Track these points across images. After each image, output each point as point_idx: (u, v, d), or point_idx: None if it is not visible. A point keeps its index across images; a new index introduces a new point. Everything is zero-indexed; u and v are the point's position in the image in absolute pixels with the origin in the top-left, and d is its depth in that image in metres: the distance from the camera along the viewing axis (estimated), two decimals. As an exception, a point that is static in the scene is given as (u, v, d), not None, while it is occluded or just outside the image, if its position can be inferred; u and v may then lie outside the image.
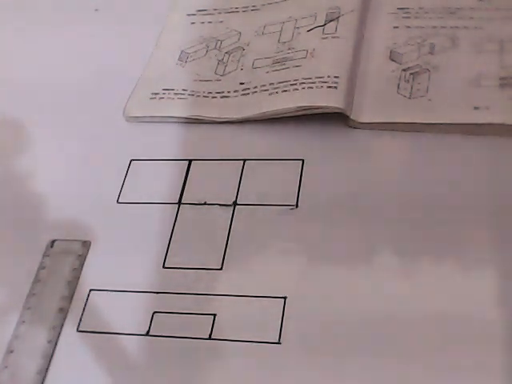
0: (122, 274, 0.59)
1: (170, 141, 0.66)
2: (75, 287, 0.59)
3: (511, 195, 0.57)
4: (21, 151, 0.69)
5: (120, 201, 0.63)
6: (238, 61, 0.71)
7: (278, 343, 0.53)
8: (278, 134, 0.64)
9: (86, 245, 0.61)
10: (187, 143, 0.66)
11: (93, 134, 0.69)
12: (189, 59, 0.73)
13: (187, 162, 0.64)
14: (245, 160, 0.63)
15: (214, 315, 0.55)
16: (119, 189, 0.64)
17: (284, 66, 0.68)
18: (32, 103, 0.72)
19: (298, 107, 0.64)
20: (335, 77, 0.64)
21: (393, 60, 0.66)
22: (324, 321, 0.53)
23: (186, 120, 0.68)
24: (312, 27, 0.70)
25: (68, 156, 0.68)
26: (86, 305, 0.58)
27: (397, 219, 0.57)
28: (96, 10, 0.80)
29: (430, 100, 0.62)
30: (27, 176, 0.67)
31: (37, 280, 0.60)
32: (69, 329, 0.57)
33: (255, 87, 0.68)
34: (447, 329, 0.51)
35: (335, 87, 0.63)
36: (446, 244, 0.55)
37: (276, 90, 0.66)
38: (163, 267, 0.59)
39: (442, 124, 0.61)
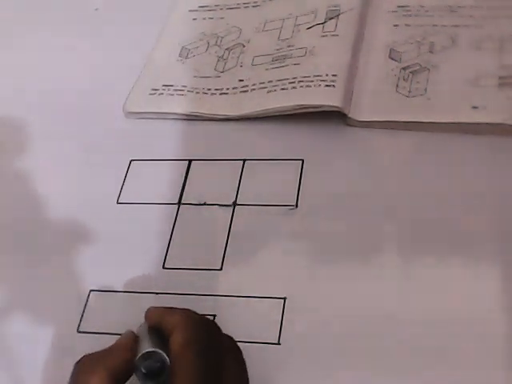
0: (122, 274, 0.59)
1: (169, 140, 0.67)
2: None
3: (511, 194, 0.57)
4: (21, 151, 0.69)
5: (120, 201, 0.64)
6: (238, 57, 0.71)
7: (278, 344, 0.53)
8: (278, 133, 0.64)
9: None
10: (187, 142, 0.66)
11: (93, 134, 0.69)
12: (189, 55, 0.73)
13: (187, 162, 0.65)
14: (245, 160, 0.63)
15: (214, 316, 0.55)
16: (119, 189, 0.64)
17: (283, 64, 0.68)
18: (32, 102, 0.73)
19: (295, 105, 0.64)
20: (333, 75, 0.64)
21: (392, 58, 0.66)
22: (324, 321, 0.53)
23: (185, 117, 0.68)
24: (311, 25, 0.70)
25: (68, 156, 0.68)
26: (86, 306, 0.58)
27: (397, 218, 0.57)
28: (96, 9, 0.80)
29: (428, 99, 0.62)
30: (27, 176, 0.67)
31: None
32: (69, 330, 0.57)
33: (254, 84, 0.68)
34: (449, 328, 0.51)
35: (333, 86, 0.63)
36: (446, 242, 0.55)
37: (274, 88, 0.66)
38: (163, 268, 0.59)
39: (440, 123, 0.61)
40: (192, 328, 0.46)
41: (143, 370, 0.46)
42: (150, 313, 0.50)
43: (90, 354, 0.47)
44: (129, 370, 0.46)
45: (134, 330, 0.49)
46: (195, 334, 0.46)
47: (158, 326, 0.48)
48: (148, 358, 0.46)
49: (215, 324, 0.49)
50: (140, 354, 0.46)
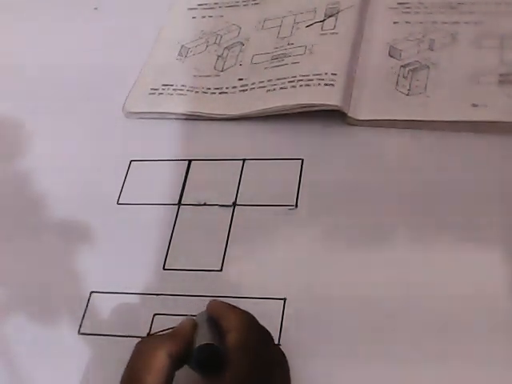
0: (122, 275, 0.59)
1: (169, 140, 0.67)
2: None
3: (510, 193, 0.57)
4: (21, 151, 0.69)
5: (120, 202, 0.63)
6: (237, 56, 0.71)
7: (278, 344, 0.53)
8: (278, 133, 0.64)
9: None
10: (186, 142, 0.66)
11: (93, 134, 0.69)
12: (189, 54, 0.73)
13: (187, 162, 0.65)
14: (244, 160, 0.63)
15: (215, 316, 0.55)
16: (119, 189, 0.64)
17: (282, 63, 0.68)
18: (32, 102, 0.73)
19: (295, 105, 0.64)
20: (333, 74, 0.64)
21: (392, 56, 0.66)
22: (324, 322, 0.53)
23: (185, 116, 0.68)
24: (311, 23, 0.70)
25: (68, 156, 0.68)
26: (86, 307, 0.58)
27: (397, 217, 0.57)
28: (95, 8, 0.80)
29: (428, 97, 0.62)
30: (27, 176, 0.67)
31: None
32: (70, 331, 0.57)
33: (253, 83, 0.68)
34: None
35: (332, 85, 0.63)
36: (446, 241, 0.55)
37: (274, 87, 0.66)
38: (163, 269, 0.59)
39: (440, 121, 0.61)
40: (248, 332, 0.48)
41: (200, 361, 0.47)
42: (212, 305, 0.51)
43: (152, 336, 0.51)
44: (187, 355, 0.47)
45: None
46: (249, 340, 0.48)
47: (216, 319, 0.50)
48: (205, 349, 0.47)
49: (269, 333, 0.50)
50: (198, 345, 0.47)
